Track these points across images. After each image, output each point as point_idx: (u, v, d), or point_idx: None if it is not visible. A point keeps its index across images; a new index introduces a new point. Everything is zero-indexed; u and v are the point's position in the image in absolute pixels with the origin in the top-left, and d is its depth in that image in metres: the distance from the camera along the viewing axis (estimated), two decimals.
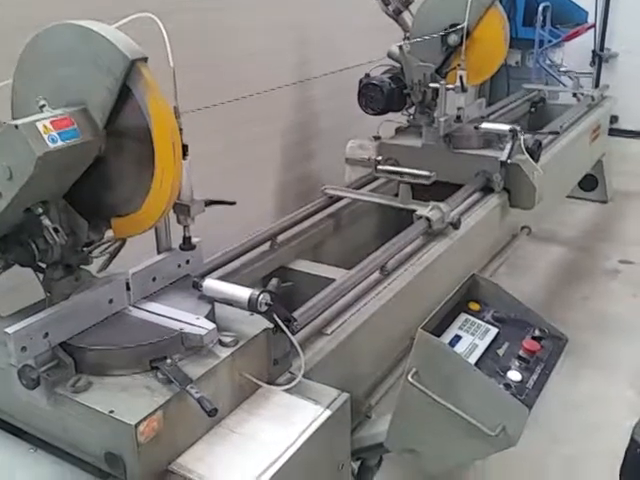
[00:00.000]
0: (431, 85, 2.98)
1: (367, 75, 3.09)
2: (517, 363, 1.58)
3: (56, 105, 1.32)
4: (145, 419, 1.24)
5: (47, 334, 1.34)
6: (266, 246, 2.36)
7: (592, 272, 3.87)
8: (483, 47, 3.12)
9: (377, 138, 3.15)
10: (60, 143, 1.26)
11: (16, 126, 1.22)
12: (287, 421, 1.43)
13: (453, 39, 3.06)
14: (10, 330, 1.28)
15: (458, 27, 3.01)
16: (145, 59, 1.30)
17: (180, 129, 1.41)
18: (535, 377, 1.56)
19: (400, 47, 3.00)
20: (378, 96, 3.03)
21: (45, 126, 1.25)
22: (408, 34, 3.16)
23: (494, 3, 3.11)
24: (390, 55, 3.16)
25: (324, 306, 1.89)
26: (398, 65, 3.10)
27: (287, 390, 1.49)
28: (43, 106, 1.32)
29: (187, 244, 1.62)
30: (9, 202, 1.28)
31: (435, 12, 3.14)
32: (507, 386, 1.51)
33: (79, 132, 1.30)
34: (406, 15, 3.20)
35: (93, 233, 1.49)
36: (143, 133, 1.32)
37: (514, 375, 1.52)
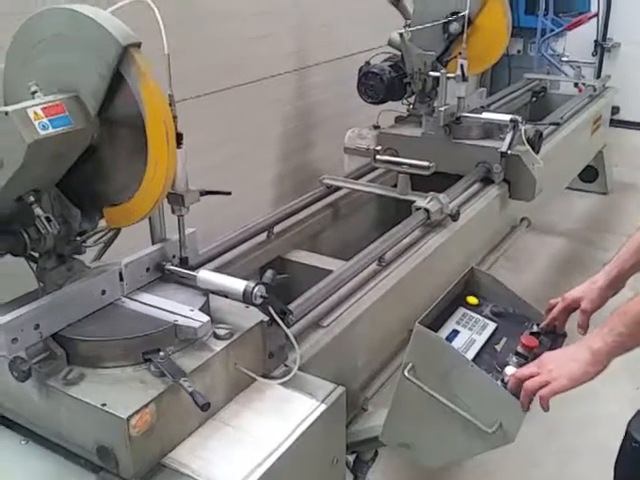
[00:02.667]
0: (431, 74, 2.95)
1: (367, 63, 3.06)
2: (515, 359, 1.55)
3: (48, 91, 1.29)
4: (137, 412, 1.22)
5: (38, 325, 1.32)
6: (263, 236, 2.34)
7: (591, 264, 3.84)
8: (485, 36, 3.09)
9: (376, 127, 3.12)
10: (51, 130, 1.23)
11: (6, 112, 1.19)
12: (282, 415, 1.41)
13: (454, 27, 3.02)
14: (0, 321, 1.26)
15: (459, 15, 2.97)
16: (139, 45, 1.26)
17: (175, 117, 1.38)
18: None
19: (401, 35, 2.96)
20: (378, 85, 3.00)
21: (36, 113, 1.22)
22: (409, 22, 3.12)
23: None
24: (391, 43, 3.12)
25: (321, 298, 1.87)
26: (399, 53, 3.07)
27: (282, 383, 1.47)
28: (35, 92, 1.29)
29: (184, 263, 1.59)
30: (0, 191, 1.25)
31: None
32: (505, 382, 1.49)
33: (71, 119, 1.27)
34: (407, 2, 3.16)
35: (86, 222, 1.47)
36: (136, 121, 1.28)
37: (512, 371, 1.50)
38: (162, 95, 1.30)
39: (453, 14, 3.02)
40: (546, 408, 1.41)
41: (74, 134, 1.28)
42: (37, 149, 1.20)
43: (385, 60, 3.11)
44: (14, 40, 1.36)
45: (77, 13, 1.27)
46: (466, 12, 2.90)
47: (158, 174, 1.32)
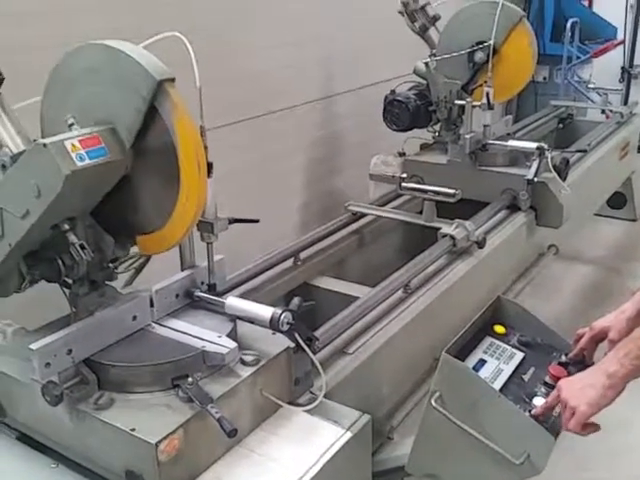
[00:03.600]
0: (457, 102, 2.96)
1: (392, 91, 3.09)
2: (543, 389, 1.54)
3: (84, 124, 1.34)
4: (166, 438, 1.24)
5: (71, 350, 1.35)
6: (289, 263, 2.36)
7: (620, 292, 3.78)
8: (510, 64, 3.10)
9: (402, 154, 3.13)
10: (88, 162, 1.27)
11: (44, 144, 1.23)
12: (308, 442, 1.42)
13: (479, 56, 3.04)
14: (34, 346, 1.30)
15: (485, 44, 2.99)
16: (172, 79, 1.31)
17: (205, 147, 1.42)
18: None
19: (426, 64, 3.00)
20: (403, 113, 3.02)
21: (73, 145, 1.26)
22: (434, 51, 3.15)
23: (521, 20, 3.09)
24: (416, 71, 3.15)
25: (346, 325, 1.87)
26: (424, 81, 3.10)
27: (308, 411, 1.48)
28: (72, 125, 1.33)
29: (212, 290, 1.63)
30: (37, 219, 1.29)
31: (462, 29, 3.12)
32: (532, 414, 1.47)
33: (107, 151, 1.31)
34: (432, 32, 3.19)
35: (119, 250, 1.51)
36: (169, 152, 1.32)
37: (540, 402, 1.48)
38: (194, 127, 1.34)
39: (478, 43, 3.04)
40: (582, 434, 1.44)
41: (109, 165, 1.32)
42: (74, 180, 1.24)
43: (410, 88, 3.14)
44: (52, 75, 1.41)
45: (112, 48, 1.32)
46: (491, 42, 2.92)
47: (189, 203, 1.35)
